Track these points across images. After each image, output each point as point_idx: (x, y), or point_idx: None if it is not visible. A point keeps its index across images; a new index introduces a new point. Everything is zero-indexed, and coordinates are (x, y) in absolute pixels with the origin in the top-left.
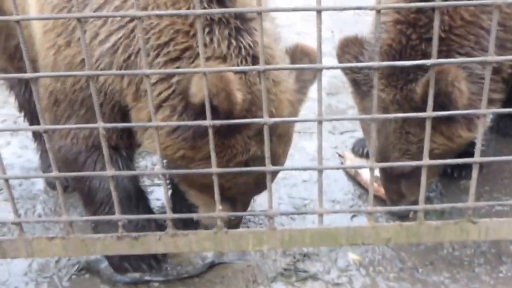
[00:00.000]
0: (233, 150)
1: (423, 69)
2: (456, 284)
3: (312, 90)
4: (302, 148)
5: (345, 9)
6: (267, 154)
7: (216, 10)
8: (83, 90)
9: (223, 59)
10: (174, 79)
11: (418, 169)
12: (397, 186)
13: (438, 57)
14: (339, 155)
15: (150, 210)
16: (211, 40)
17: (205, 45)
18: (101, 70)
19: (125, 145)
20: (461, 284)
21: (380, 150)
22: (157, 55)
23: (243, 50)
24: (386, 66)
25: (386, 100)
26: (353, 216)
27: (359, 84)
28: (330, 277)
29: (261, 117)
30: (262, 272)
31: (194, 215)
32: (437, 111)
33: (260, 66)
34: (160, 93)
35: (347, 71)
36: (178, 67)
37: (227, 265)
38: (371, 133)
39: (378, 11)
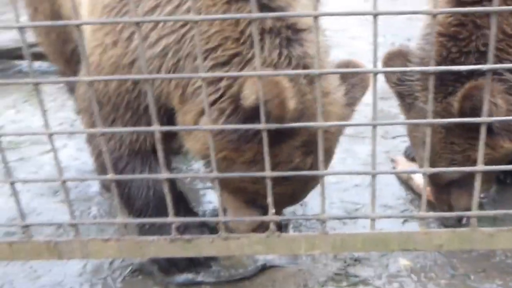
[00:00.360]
0: (276, 159)
1: (461, 82)
2: None
3: (367, 95)
4: (354, 152)
5: (401, 13)
6: (320, 157)
7: (271, 14)
8: (128, 93)
9: (274, 67)
10: (223, 83)
11: (466, 178)
12: (447, 197)
13: (476, 72)
14: (392, 160)
15: (191, 211)
16: (262, 48)
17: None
18: (149, 73)
19: (167, 148)
20: None
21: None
22: (205, 59)
23: (293, 60)
24: (426, 78)
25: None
26: (404, 221)
27: (404, 96)
28: (381, 282)
29: (309, 129)
30: (313, 276)
31: (246, 219)
32: (475, 125)
33: (316, 70)
34: (208, 96)
35: (392, 84)
36: (227, 71)
37: (278, 268)
38: (426, 138)
39: (434, 16)
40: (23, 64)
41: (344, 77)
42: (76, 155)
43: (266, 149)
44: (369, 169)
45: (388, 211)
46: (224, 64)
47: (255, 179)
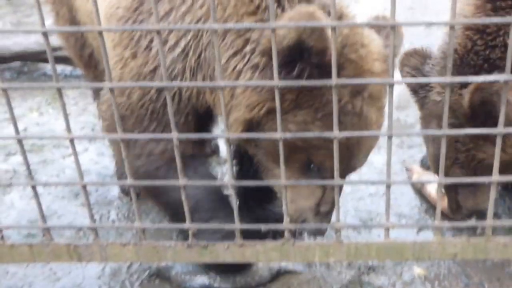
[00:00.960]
0: (323, 99)
1: (477, 73)
2: None
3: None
4: (369, 162)
5: (418, 24)
6: (335, 166)
7: None
8: (152, 103)
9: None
10: (248, 48)
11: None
12: (455, 194)
13: (500, 63)
14: (407, 169)
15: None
16: (278, 5)
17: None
18: (174, 77)
19: (201, 152)
20: None
21: (434, 158)
22: (229, 16)
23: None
24: (443, 74)
25: (441, 104)
26: (419, 231)
27: (417, 90)
28: None
29: (353, 59)
30: (327, 283)
31: (261, 226)
32: (485, 121)
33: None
34: (234, 67)
35: (407, 77)
36: (246, 39)
37: (292, 275)
38: (441, 149)
39: (452, 27)
40: (48, 67)
41: (377, 30)
42: (97, 159)
43: (282, 157)
44: (384, 179)
45: (402, 220)
46: (251, 14)
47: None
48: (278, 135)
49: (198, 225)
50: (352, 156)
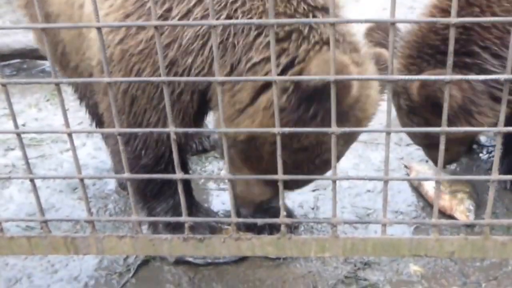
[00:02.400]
0: (324, 146)
1: (436, 58)
2: None
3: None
4: (367, 158)
5: (418, 22)
6: (333, 162)
7: None
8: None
9: (328, 45)
10: (283, 59)
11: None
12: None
13: (456, 45)
14: (405, 166)
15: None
16: (317, 25)
17: (311, 27)
18: (190, 51)
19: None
20: None
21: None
22: (259, 35)
23: (347, 36)
24: (406, 50)
25: (398, 84)
26: (415, 228)
27: None
28: (390, 287)
29: (357, 116)
30: (322, 278)
31: (258, 220)
32: (433, 109)
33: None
34: (266, 73)
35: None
36: (284, 48)
37: (288, 270)
38: (440, 145)
39: (453, 25)
40: (46, 63)
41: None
42: (94, 154)
43: (279, 152)
44: (382, 175)
45: (399, 217)
46: (282, 40)
47: (294, 165)
48: (276, 130)
49: (193, 218)
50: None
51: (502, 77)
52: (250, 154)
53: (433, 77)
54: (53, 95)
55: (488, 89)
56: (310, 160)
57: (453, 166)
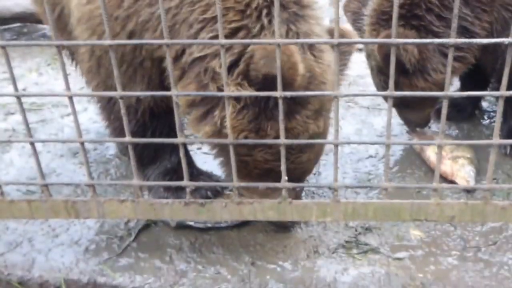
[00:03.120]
0: (294, 131)
1: (389, 24)
2: None
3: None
4: (370, 123)
5: None
6: (335, 127)
7: None
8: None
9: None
10: (229, 58)
11: (414, 104)
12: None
13: (402, 11)
14: (407, 132)
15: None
16: (270, 22)
17: (263, 27)
18: (147, 28)
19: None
20: None
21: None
22: (201, 29)
23: (301, 36)
24: (369, 19)
25: (368, 48)
26: (417, 193)
27: (361, 31)
28: (391, 252)
29: (318, 97)
30: (323, 243)
31: (259, 184)
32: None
33: (334, 40)
34: (212, 70)
35: (350, 22)
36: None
37: (289, 234)
38: (442, 110)
39: None
40: (47, 28)
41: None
42: (96, 119)
43: (281, 117)
44: (384, 140)
45: (401, 182)
46: (226, 37)
47: (272, 156)
48: (278, 94)
49: (195, 183)
50: (309, 169)
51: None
52: (227, 161)
53: (418, 40)
54: (54, 59)
55: (438, 47)
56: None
57: (454, 132)
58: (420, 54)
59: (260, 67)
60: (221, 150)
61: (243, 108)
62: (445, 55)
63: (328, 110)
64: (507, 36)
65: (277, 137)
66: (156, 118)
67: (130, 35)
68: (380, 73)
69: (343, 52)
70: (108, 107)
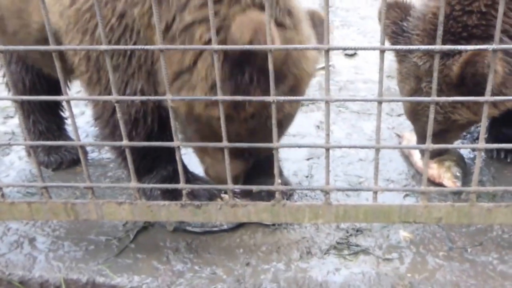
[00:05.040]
0: (269, 109)
1: (461, 44)
2: (504, 265)
3: (374, 72)
4: (360, 128)
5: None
6: (326, 131)
7: None
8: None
9: (261, 8)
10: (219, 8)
11: (444, 132)
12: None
13: (476, 31)
14: (398, 135)
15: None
16: None
17: None
18: (136, 3)
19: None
20: (509, 265)
21: (410, 112)
22: None
23: (280, 2)
24: (427, 35)
25: (422, 68)
26: (405, 196)
27: (399, 42)
28: (381, 252)
29: (295, 73)
30: (316, 244)
31: (253, 187)
32: (472, 89)
33: (325, 46)
34: (200, 36)
35: (389, 34)
36: (216, 11)
37: (282, 235)
38: (430, 115)
39: None
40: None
41: (312, 25)
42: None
43: (274, 121)
44: (374, 144)
45: (390, 185)
46: (214, 2)
47: (247, 134)
48: (271, 98)
49: (191, 186)
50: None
51: (490, 47)
52: (204, 133)
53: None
54: None
55: None
56: (262, 125)
57: None
58: (505, 73)
59: (236, 39)
60: (190, 124)
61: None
62: None
63: (303, 92)
64: None
65: (255, 113)
66: (160, 129)
67: (120, 17)
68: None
69: (320, 34)
70: (112, 121)
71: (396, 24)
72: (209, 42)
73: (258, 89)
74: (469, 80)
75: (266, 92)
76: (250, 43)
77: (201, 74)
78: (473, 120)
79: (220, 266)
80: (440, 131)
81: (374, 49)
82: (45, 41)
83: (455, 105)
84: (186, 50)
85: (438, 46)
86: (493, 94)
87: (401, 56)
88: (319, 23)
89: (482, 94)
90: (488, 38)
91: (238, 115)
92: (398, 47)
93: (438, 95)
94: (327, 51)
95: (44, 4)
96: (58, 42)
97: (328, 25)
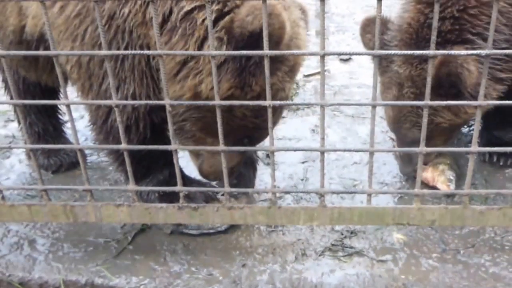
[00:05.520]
0: (273, 87)
1: (437, 49)
2: (496, 267)
3: (368, 77)
4: (355, 132)
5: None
6: (321, 135)
7: None
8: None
9: None
10: (215, 7)
11: (428, 138)
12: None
13: (450, 36)
14: (391, 139)
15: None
16: None
17: None
18: (126, 1)
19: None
20: (501, 267)
21: (393, 120)
22: None
23: None
24: (404, 44)
25: (402, 75)
26: (399, 198)
27: (381, 60)
28: (375, 254)
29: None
30: (311, 246)
31: (249, 190)
32: (448, 90)
33: (320, 51)
34: (202, 21)
35: (369, 47)
36: None
37: (278, 237)
38: (423, 119)
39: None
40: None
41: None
42: None
43: (270, 124)
44: (368, 147)
45: (384, 188)
46: None
47: (251, 112)
48: (267, 103)
49: (188, 188)
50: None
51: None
52: (205, 120)
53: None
54: None
55: (489, 71)
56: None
57: None
58: (479, 73)
59: (246, 24)
60: (199, 112)
61: (224, 62)
62: (496, 80)
63: (297, 70)
64: None
65: (261, 92)
66: (153, 134)
67: (110, 19)
68: (419, 100)
69: (304, 11)
70: (106, 127)
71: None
72: (206, 36)
73: (263, 71)
74: (445, 81)
75: (272, 72)
76: (260, 28)
77: (207, 57)
78: (455, 124)
79: (216, 267)
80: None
81: (368, 54)
82: (20, 44)
83: (437, 107)
84: (190, 37)
85: (432, 52)
86: (470, 94)
87: (384, 67)
88: (303, 15)
89: (458, 95)
90: (463, 42)
91: (245, 96)
92: (392, 52)
93: (419, 99)
94: (323, 56)
95: (47, 16)
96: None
97: (324, 32)
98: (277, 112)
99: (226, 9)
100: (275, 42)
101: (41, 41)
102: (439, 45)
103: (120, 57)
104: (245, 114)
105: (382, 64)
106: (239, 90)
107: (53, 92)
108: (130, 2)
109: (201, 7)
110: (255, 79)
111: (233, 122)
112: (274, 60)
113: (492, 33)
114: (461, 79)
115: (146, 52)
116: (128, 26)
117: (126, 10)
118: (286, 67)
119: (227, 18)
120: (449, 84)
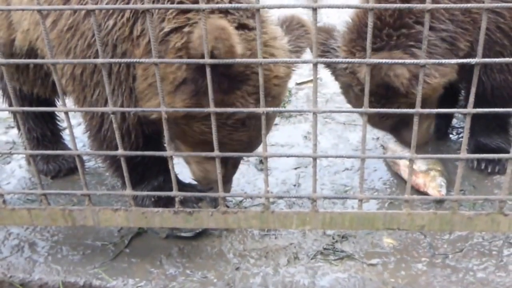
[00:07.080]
0: (232, 107)
1: (375, 49)
2: (484, 271)
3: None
4: (346, 138)
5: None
6: (314, 141)
7: None
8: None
9: (225, 13)
10: (186, 29)
11: (401, 122)
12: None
13: (384, 38)
14: (382, 146)
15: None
16: None
17: None
18: (111, 14)
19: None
20: (489, 272)
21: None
22: (171, 3)
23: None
24: (346, 36)
25: (348, 71)
26: (389, 204)
27: (331, 67)
28: (365, 258)
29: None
30: (303, 250)
31: (243, 195)
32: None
33: (313, 59)
34: (175, 43)
35: (320, 54)
36: (189, 18)
37: (271, 241)
38: (414, 126)
39: (428, 11)
40: None
41: (289, 29)
42: None
43: (264, 131)
44: (359, 154)
45: (375, 194)
46: (186, 11)
47: (208, 128)
48: (261, 110)
49: (184, 193)
50: (251, 146)
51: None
52: (178, 129)
53: (410, 61)
54: None
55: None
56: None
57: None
58: (409, 72)
59: (197, 46)
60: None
61: (182, 83)
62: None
63: (274, 96)
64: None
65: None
66: (146, 144)
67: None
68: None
69: (298, 36)
70: (99, 136)
71: (322, 45)
72: (181, 49)
73: (219, 92)
74: (377, 86)
75: (227, 95)
76: (212, 52)
77: (169, 79)
78: (426, 97)
79: (211, 270)
80: (400, 122)
81: (360, 62)
82: (11, 57)
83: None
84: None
85: (423, 60)
86: (404, 95)
87: (334, 72)
88: (297, 26)
89: (393, 98)
90: (397, 47)
91: (201, 114)
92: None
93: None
94: (315, 65)
95: (44, 26)
96: (41, 66)
97: (316, 41)
98: (255, 130)
99: (186, 28)
100: (227, 66)
101: (30, 54)
102: (374, 51)
103: (107, 69)
104: (203, 130)
105: (331, 67)
106: (194, 107)
107: (48, 99)
108: (115, 14)
109: (177, 30)
110: (207, 99)
111: (194, 138)
112: (233, 78)
113: (425, 42)
114: (392, 86)
115: (142, 60)
116: (111, 39)
117: (110, 23)
118: (248, 86)
119: (185, 38)
120: (382, 87)
